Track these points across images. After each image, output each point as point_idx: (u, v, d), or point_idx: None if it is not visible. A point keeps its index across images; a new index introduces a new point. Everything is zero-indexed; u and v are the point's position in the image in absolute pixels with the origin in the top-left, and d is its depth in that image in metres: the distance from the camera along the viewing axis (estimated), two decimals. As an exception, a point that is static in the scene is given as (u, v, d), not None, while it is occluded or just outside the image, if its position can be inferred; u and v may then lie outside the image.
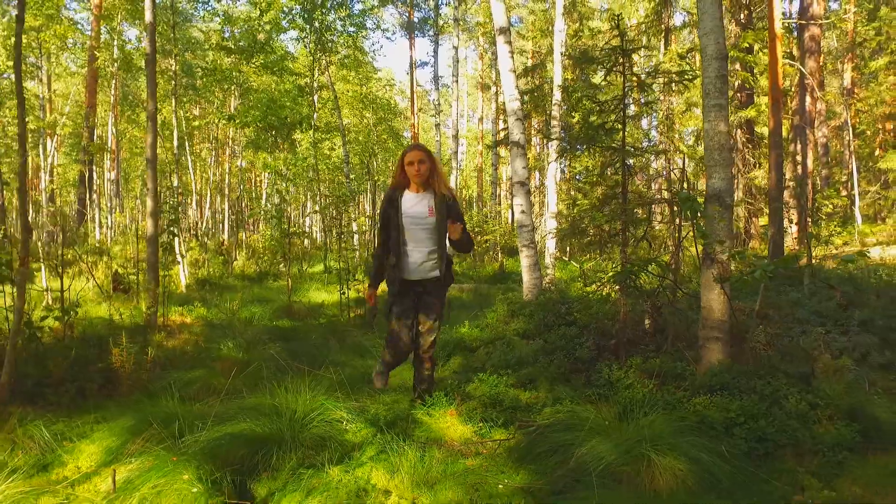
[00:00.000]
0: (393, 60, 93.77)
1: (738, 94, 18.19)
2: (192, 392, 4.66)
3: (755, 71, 17.33)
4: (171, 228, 7.62)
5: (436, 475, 3.28)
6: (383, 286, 4.28)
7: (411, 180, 4.01)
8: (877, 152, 27.37)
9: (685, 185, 5.72)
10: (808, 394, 3.76)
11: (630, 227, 5.12)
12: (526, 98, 18.87)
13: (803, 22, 13.52)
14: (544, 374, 4.70)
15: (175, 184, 12.80)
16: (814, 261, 12.36)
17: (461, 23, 22.11)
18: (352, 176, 19.55)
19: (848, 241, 15.00)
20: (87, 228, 20.05)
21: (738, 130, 18.10)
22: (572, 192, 16.85)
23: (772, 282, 8.16)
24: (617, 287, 5.14)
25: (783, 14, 18.11)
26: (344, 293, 8.75)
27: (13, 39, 4.19)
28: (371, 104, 21.94)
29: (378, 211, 4.38)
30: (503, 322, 6.38)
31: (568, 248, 16.08)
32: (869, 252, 12.60)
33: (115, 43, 19.50)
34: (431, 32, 21.80)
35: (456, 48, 17.97)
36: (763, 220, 16.43)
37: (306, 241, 22.16)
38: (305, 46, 16.09)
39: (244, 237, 21.27)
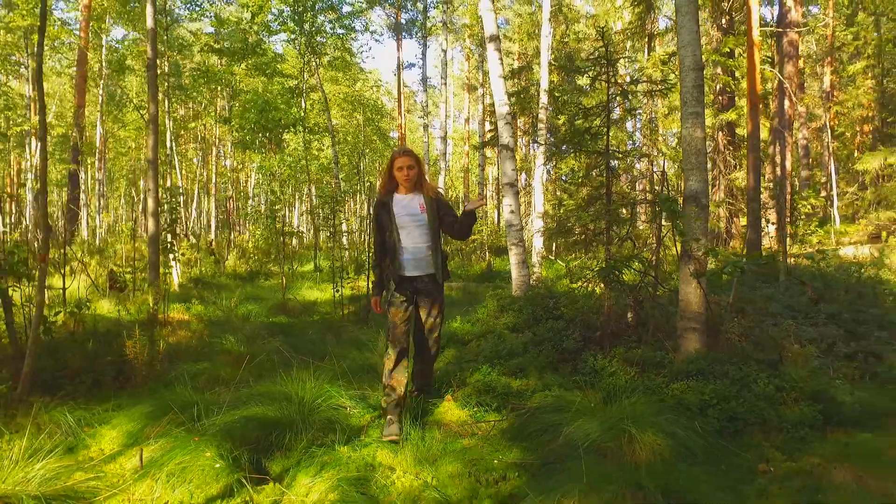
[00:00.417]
0: (380, 62, 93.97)
1: (720, 98, 18.66)
2: (201, 382, 4.92)
3: (736, 74, 17.80)
4: (173, 227, 7.84)
5: (436, 453, 3.58)
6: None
7: (400, 184, 4.12)
8: (855, 154, 28.02)
9: (666, 187, 6.05)
10: (776, 378, 4.11)
11: (614, 226, 5.45)
12: (513, 100, 19.20)
13: (780, 30, 13.95)
14: (534, 363, 5.02)
15: (168, 183, 12.96)
16: (790, 259, 12.81)
17: (448, 25, 22.40)
18: (341, 176, 19.80)
19: (821, 239, 15.49)
20: (78, 228, 20.12)
21: (720, 133, 18.57)
22: (558, 193, 17.24)
23: (750, 278, 8.57)
24: (601, 282, 5.47)
25: (763, 20, 18.63)
26: (338, 290, 9.03)
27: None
28: (360, 106, 22.17)
29: (371, 213, 4.49)
30: (493, 317, 6.69)
31: (554, 247, 16.43)
32: (841, 251, 13.05)
33: (104, 43, 19.61)
34: (419, 35, 22.03)
35: (444, 51, 18.26)
36: (744, 220, 16.87)
37: (294, 241, 22.39)
38: (296, 48, 16.30)
39: (232, 237, 21.46)
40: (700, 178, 4.64)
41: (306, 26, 15.27)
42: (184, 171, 28.86)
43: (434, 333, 4.23)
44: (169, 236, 7.89)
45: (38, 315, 4.35)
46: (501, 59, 7.56)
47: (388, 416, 3.92)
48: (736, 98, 18.35)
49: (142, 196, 40.59)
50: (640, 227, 12.16)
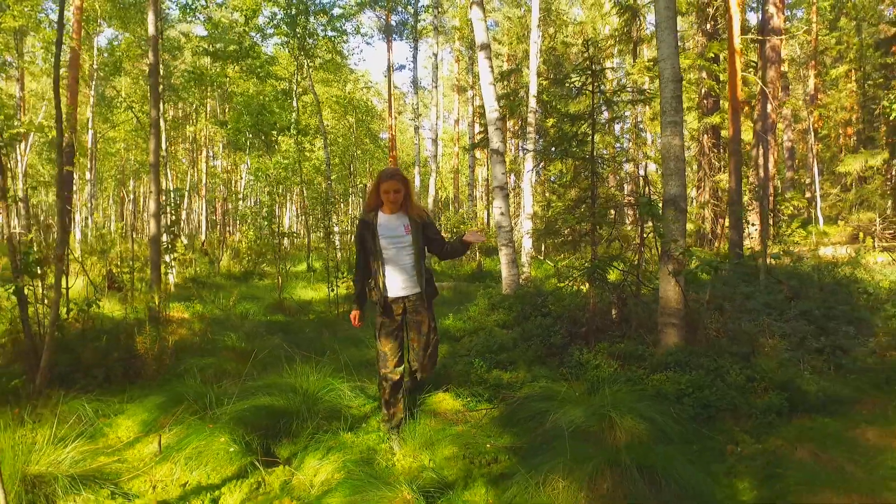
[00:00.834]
0: (370, 63, 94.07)
1: (705, 101, 19.08)
2: (207, 376, 5.16)
3: (721, 78, 18.20)
4: (173, 228, 8.07)
5: (432, 438, 3.87)
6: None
7: (386, 205, 4.04)
8: (841, 155, 28.55)
9: (648, 190, 6.36)
10: (747, 369, 4.43)
11: (598, 227, 5.76)
12: (503, 102, 19.52)
13: (761, 38, 14.35)
14: (523, 357, 5.32)
15: (164, 185, 13.15)
16: (772, 259, 13.19)
17: (439, 29, 22.68)
18: (333, 177, 20.05)
19: (799, 240, 15.92)
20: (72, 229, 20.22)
21: (705, 136, 19.00)
22: (547, 195, 17.57)
23: (732, 278, 8.92)
24: (587, 281, 5.78)
25: (748, 26, 19.04)
26: (333, 290, 9.29)
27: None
28: (353, 108, 22.40)
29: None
30: (484, 314, 6.98)
31: (543, 248, 16.76)
32: (821, 251, 13.44)
33: (95, 45, 19.73)
34: (410, 37, 22.28)
35: (435, 55, 18.54)
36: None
37: (286, 241, 22.58)
38: (290, 52, 16.53)
39: (224, 238, 21.63)
40: (678, 182, 4.96)
41: (298, 30, 15.50)
42: (174, 172, 28.98)
43: (429, 349, 4.12)
44: (169, 237, 8.12)
45: (54, 311, 4.59)
46: (492, 66, 7.85)
47: (391, 410, 4.02)
48: (721, 101, 18.76)
49: (131, 197, 40.62)
50: (629, 228, 12.51)
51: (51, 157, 26.36)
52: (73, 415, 4.15)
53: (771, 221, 16.27)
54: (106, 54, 18.31)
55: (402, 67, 29.62)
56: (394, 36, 27.46)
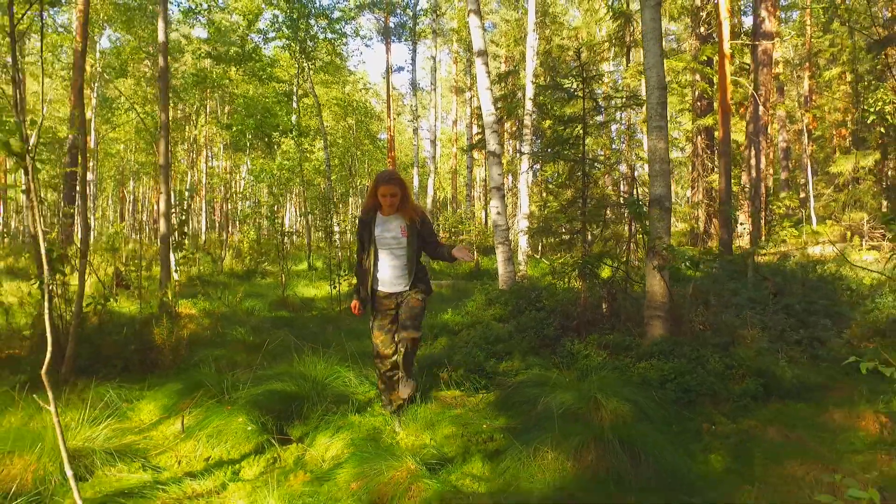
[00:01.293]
0: (369, 65, 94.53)
1: (698, 103, 19.42)
2: (221, 365, 5.47)
3: (714, 80, 18.53)
4: (181, 228, 8.35)
5: (433, 420, 4.18)
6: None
7: (383, 207, 4.17)
8: (836, 155, 28.85)
9: (636, 191, 6.68)
10: (727, 358, 4.76)
11: (589, 226, 6.08)
12: (500, 104, 19.84)
13: (751, 43, 14.70)
14: (517, 348, 5.64)
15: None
16: (764, 256, 13.55)
17: (437, 32, 22.99)
18: (332, 177, 20.35)
19: (789, 239, 16.28)
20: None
21: (698, 137, 19.34)
22: (543, 195, 17.90)
23: (722, 275, 9.25)
24: (578, 277, 6.10)
25: (740, 31, 19.38)
26: (335, 287, 9.61)
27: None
28: (353, 110, 22.72)
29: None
30: (482, 309, 7.30)
31: (539, 247, 17.08)
32: (810, 249, 13.77)
33: (97, 48, 20.02)
34: (409, 41, 22.61)
35: (434, 58, 18.84)
36: (721, 221, 17.57)
37: (285, 240, 22.87)
38: (291, 55, 16.84)
39: (225, 237, 21.90)
40: (664, 183, 5.28)
41: (300, 34, 15.81)
42: (174, 173, 29.23)
43: (404, 346, 4.10)
44: (178, 236, 8.41)
45: (78, 304, 4.90)
46: (488, 72, 8.17)
47: (390, 396, 4.30)
48: (714, 104, 19.09)
49: (130, 198, 40.84)
50: (620, 227, 12.85)
51: (50, 158, 26.60)
52: (98, 400, 4.46)
53: (763, 221, 16.63)
54: (110, 56, 18.59)
55: (400, 69, 29.94)
56: (392, 38, 27.81)
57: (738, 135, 19.21)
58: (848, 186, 23.94)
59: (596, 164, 6.31)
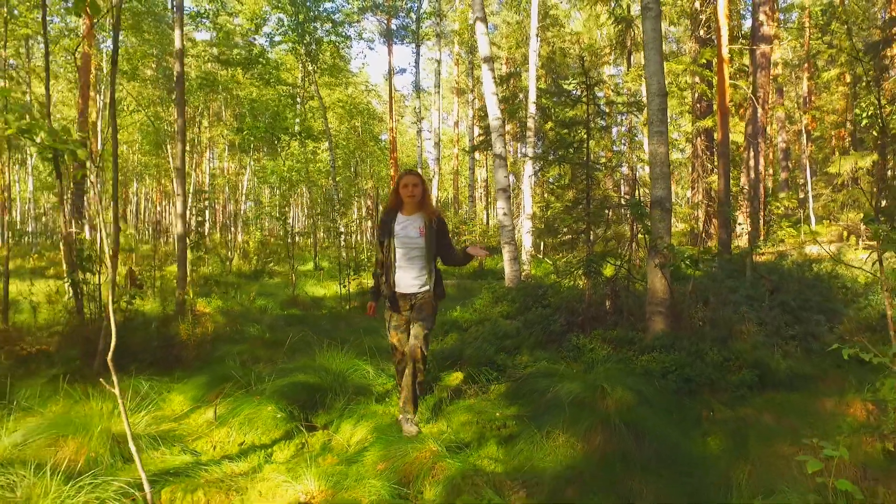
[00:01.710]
0: (372, 67, 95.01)
1: (698, 105, 19.69)
2: (243, 360, 5.76)
3: (713, 83, 18.80)
4: (199, 229, 8.61)
5: (449, 409, 4.46)
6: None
7: (405, 202, 4.30)
8: (836, 155, 29.08)
9: (638, 192, 6.95)
10: (725, 351, 5.03)
11: (593, 226, 6.35)
12: (502, 106, 20.12)
13: (749, 48, 14.97)
14: (525, 343, 5.91)
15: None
16: (762, 256, 13.83)
17: (440, 35, 23.27)
18: (337, 178, 20.62)
19: (787, 238, 16.56)
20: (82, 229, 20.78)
21: (698, 139, 19.61)
22: (546, 196, 18.18)
23: (720, 274, 9.52)
24: (583, 275, 6.38)
25: (739, 34, 19.66)
26: (344, 286, 9.89)
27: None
28: (358, 113, 23.02)
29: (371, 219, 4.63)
30: (489, 306, 7.57)
31: (542, 246, 17.35)
32: (807, 249, 14.03)
33: (103, 49, 20.30)
34: (413, 43, 22.89)
35: (438, 61, 19.12)
36: (721, 221, 17.82)
37: (295, 240, 23.19)
38: (297, 58, 17.12)
39: (229, 238, 22.23)
40: (664, 185, 5.55)
41: (307, 38, 16.09)
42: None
43: (417, 341, 4.17)
44: (196, 236, 8.67)
45: (110, 300, 5.16)
46: (495, 77, 8.44)
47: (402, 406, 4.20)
48: (713, 105, 19.36)
49: (133, 199, 41.08)
50: (622, 227, 13.14)
51: (50, 158, 26.85)
52: (132, 392, 4.73)
53: (762, 221, 16.90)
54: (121, 61, 18.86)
55: (402, 71, 30.18)
56: (395, 40, 28.11)
57: (738, 136, 19.47)
58: (847, 186, 24.23)
59: (598, 165, 6.57)
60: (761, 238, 15.45)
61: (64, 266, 9.90)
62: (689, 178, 21.75)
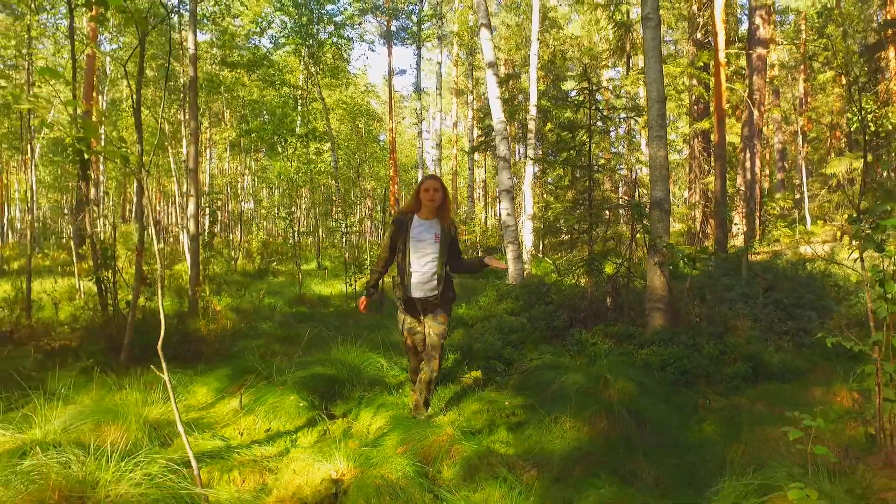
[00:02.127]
0: (372, 68, 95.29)
1: (695, 107, 19.99)
2: (261, 354, 6.01)
3: (710, 86, 19.09)
4: (212, 228, 8.86)
5: (460, 400, 4.72)
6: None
7: (424, 206, 4.31)
8: (832, 156, 29.40)
9: (638, 193, 7.23)
10: (720, 345, 5.31)
11: (594, 226, 6.63)
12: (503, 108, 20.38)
13: (746, 52, 15.27)
14: (530, 338, 6.19)
15: (185, 188, 13.99)
16: (758, 255, 14.13)
17: (441, 38, 23.52)
18: (339, 179, 20.88)
19: (783, 238, 16.86)
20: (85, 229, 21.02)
21: (695, 140, 19.90)
22: (545, 196, 18.45)
23: (717, 273, 9.81)
24: (586, 273, 6.65)
25: (735, 37, 19.96)
26: (351, 284, 10.16)
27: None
28: (360, 115, 23.30)
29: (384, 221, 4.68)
30: (494, 303, 7.85)
31: (542, 246, 17.62)
32: (801, 248, 14.32)
33: (107, 50, 20.53)
34: (414, 45, 23.15)
35: (440, 63, 19.39)
36: (717, 222, 18.11)
37: (300, 239, 23.46)
38: (300, 60, 17.37)
39: (231, 238, 22.45)
40: (663, 187, 5.82)
41: (311, 40, 16.35)
42: (180, 175, 29.70)
43: (440, 339, 4.31)
44: (208, 236, 8.91)
45: (135, 296, 5.43)
46: (499, 82, 8.71)
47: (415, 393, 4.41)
48: (710, 107, 19.65)
49: (133, 199, 41.27)
50: (623, 226, 13.44)
51: (53, 159, 27.10)
52: (157, 383, 4.99)
53: (758, 221, 17.20)
54: (129, 63, 19.11)
55: (402, 72, 30.43)
56: (395, 41, 28.37)
57: (735, 137, 19.77)
58: (842, 187, 24.54)
59: (598, 167, 6.84)
60: (757, 238, 15.76)
61: (75, 265, 10.16)
62: (686, 179, 22.05)
